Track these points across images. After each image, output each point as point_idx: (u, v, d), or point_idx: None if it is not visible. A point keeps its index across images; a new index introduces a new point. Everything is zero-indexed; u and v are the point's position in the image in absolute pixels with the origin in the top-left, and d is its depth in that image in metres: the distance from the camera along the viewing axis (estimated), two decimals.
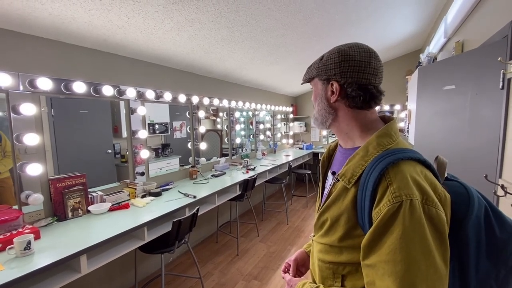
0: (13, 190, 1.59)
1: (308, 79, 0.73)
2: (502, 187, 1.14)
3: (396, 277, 0.48)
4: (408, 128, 2.69)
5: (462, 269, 0.54)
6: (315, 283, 0.71)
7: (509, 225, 0.56)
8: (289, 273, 0.85)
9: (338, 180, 0.64)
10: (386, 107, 4.74)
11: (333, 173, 0.69)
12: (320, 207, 0.71)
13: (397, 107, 4.64)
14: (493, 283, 0.55)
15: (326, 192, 0.72)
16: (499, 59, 1.14)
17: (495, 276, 0.55)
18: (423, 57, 2.59)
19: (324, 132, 5.60)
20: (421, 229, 0.49)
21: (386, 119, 0.68)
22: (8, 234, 1.39)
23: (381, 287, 0.50)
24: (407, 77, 3.61)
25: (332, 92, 0.66)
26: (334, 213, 0.63)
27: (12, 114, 1.54)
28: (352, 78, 0.62)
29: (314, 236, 0.75)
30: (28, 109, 1.56)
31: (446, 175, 0.65)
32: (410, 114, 2.44)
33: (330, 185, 0.69)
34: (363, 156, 0.61)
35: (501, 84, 1.23)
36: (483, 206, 0.57)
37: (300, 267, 0.88)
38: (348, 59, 0.62)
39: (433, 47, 2.71)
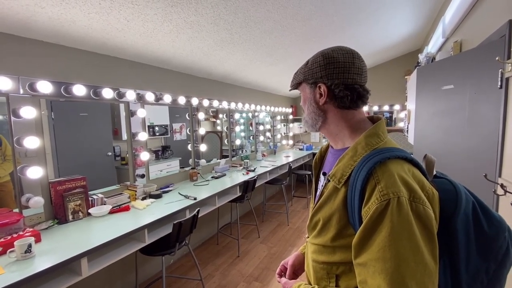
0: (13, 194, 1.59)
1: (295, 85, 0.75)
2: (502, 186, 1.14)
3: (386, 274, 0.48)
4: (407, 128, 2.69)
5: (453, 265, 0.55)
6: (310, 284, 0.71)
7: (496, 220, 0.57)
8: (284, 277, 0.85)
9: (329, 181, 0.65)
10: (386, 107, 4.74)
11: (324, 174, 0.71)
12: (312, 208, 0.72)
13: (397, 107, 4.65)
14: (484, 277, 0.56)
15: (318, 193, 0.73)
16: (497, 58, 1.15)
17: (486, 270, 0.56)
18: (421, 57, 2.60)
19: None
20: (409, 226, 0.50)
21: (375, 119, 0.70)
22: (9, 237, 1.39)
23: (373, 285, 0.50)
24: (406, 77, 3.62)
25: (320, 95, 0.68)
26: (326, 213, 0.64)
27: (12, 118, 1.54)
28: (338, 79, 0.65)
29: (308, 237, 0.75)
30: (28, 112, 1.57)
31: (435, 172, 0.66)
32: (410, 114, 2.44)
33: (322, 186, 0.70)
34: (352, 156, 0.62)
35: (499, 84, 1.24)
36: (470, 202, 0.58)
37: (297, 271, 0.88)
38: (333, 61, 0.65)
39: (431, 47, 2.72)
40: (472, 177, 1.39)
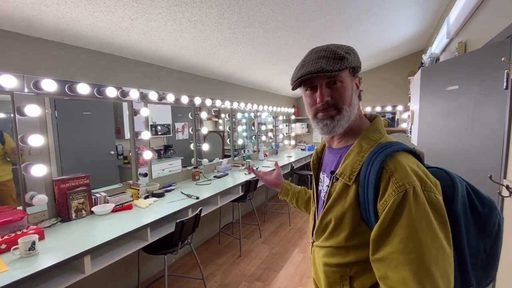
0: (14, 193, 1.59)
1: (340, 69, 0.61)
2: (507, 187, 1.14)
3: (412, 265, 0.48)
4: (411, 128, 2.68)
5: (457, 248, 0.56)
6: None
7: (487, 200, 0.61)
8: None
9: (337, 180, 0.64)
10: (388, 108, 4.72)
11: (332, 173, 0.69)
12: (321, 210, 0.70)
13: (400, 108, 4.63)
14: (483, 255, 0.59)
15: (323, 194, 0.72)
16: (503, 59, 1.14)
17: (484, 248, 0.59)
18: (425, 58, 2.59)
19: None
20: (426, 214, 0.51)
21: (369, 116, 0.72)
22: (13, 234, 1.40)
23: (395, 278, 0.50)
24: (409, 77, 3.60)
25: (357, 86, 0.69)
26: (338, 212, 0.63)
27: (17, 116, 1.55)
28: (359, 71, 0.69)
29: (313, 242, 0.74)
30: (32, 110, 1.57)
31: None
32: (413, 114, 2.43)
33: (328, 186, 0.69)
34: (359, 152, 0.62)
35: (505, 84, 1.23)
36: (464, 186, 0.61)
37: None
38: (358, 55, 0.68)
39: (435, 47, 2.70)
40: (476, 178, 1.37)
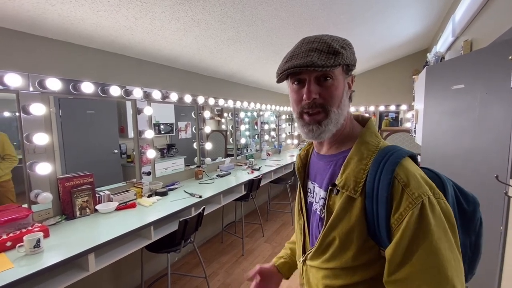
0: (13, 194, 1.60)
1: (333, 65, 0.55)
2: None
3: (436, 283, 0.45)
4: (415, 128, 2.66)
5: None
6: None
7: (471, 197, 0.60)
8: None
9: (337, 192, 0.57)
10: (392, 107, 4.70)
11: (333, 185, 0.59)
12: (315, 225, 0.64)
13: (404, 107, 4.60)
14: (469, 252, 0.59)
15: (316, 207, 0.65)
16: (510, 57, 1.13)
17: (469, 244, 0.58)
18: (430, 57, 2.57)
19: None
20: (443, 225, 0.48)
21: (355, 117, 0.67)
22: (18, 232, 1.41)
23: None
24: (414, 76, 3.58)
25: (349, 85, 0.62)
26: (343, 229, 0.55)
27: (22, 114, 1.56)
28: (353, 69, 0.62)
29: (306, 259, 0.66)
30: (37, 109, 1.58)
31: None
32: (417, 114, 2.41)
33: (324, 199, 0.61)
34: (360, 160, 0.56)
35: (511, 83, 1.21)
36: (451, 186, 0.59)
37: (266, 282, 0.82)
38: (354, 51, 0.61)
39: (440, 46, 2.68)
40: (482, 179, 1.37)
